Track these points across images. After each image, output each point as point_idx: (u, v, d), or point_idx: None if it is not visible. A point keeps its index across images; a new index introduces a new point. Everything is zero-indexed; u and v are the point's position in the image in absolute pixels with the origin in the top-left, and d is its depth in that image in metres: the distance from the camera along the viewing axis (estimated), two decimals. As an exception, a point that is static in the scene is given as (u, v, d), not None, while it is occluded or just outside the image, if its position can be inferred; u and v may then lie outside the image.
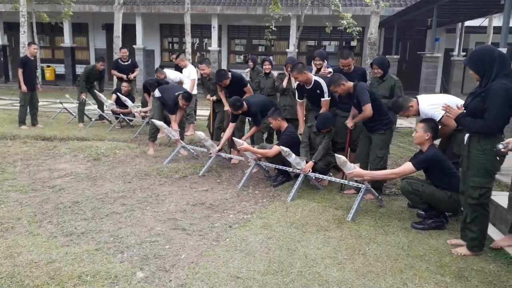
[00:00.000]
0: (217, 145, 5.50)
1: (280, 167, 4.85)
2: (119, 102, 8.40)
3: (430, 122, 3.66)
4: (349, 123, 4.55)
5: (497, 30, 13.34)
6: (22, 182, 4.88)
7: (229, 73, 5.69)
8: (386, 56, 11.36)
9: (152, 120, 6.09)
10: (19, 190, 4.59)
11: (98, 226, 3.65)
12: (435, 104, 3.75)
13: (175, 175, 5.22)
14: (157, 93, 6.45)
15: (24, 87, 7.91)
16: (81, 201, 4.27)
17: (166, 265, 2.99)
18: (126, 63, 8.79)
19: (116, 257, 3.08)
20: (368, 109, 4.18)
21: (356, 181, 4.09)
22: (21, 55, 9.48)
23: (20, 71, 7.94)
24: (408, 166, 3.63)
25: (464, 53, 14.46)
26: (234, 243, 3.34)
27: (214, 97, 6.57)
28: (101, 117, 8.86)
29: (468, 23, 14.32)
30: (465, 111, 2.99)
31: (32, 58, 8.14)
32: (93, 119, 8.84)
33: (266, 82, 6.43)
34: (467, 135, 3.03)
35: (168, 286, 2.72)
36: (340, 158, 3.80)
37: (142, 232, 3.55)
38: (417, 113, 3.90)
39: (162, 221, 3.81)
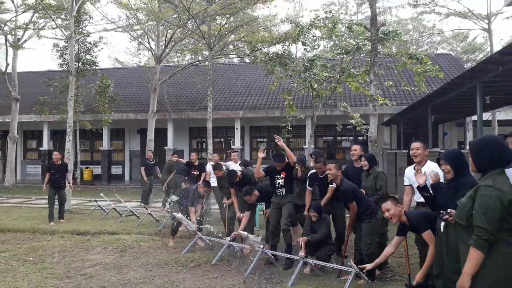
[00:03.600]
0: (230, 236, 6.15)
1: (286, 255, 5.41)
2: None
3: (393, 198, 4.10)
4: (349, 231, 5.16)
5: (501, 123, 14.11)
6: (58, 271, 5.59)
7: (239, 173, 6.54)
8: (397, 151, 12.19)
9: (174, 213, 6.88)
10: (56, 277, 5.30)
11: (119, 307, 4.24)
12: None
13: (190, 264, 5.82)
14: (174, 197, 7.39)
15: (44, 187, 9.19)
16: (107, 286, 4.90)
17: (173, 337, 3.51)
18: (151, 162, 10.16)
19: (132, 331, 3.63)
20: (353, 206, 4.88)
21: (349, 266, 4.58)
22: (66, 160, 10.88)
23: (47, 175, 9.26)
24: (396, 237, 4.03)
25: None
26: (234, 320, 3.83)
27: (230, 201, 7.12)
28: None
29: (475, 117, 15.18)
30: None
31: (59, 163, 9.40)
32: (123, 215, 9.71)
33: None
34: (442, 223, 3.24)
35: None
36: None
37: (156, 311, 4.11)
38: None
39: (174, 303, 4.36)
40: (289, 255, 5.36)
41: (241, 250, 6.34)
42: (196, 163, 9.78)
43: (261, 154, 5.92)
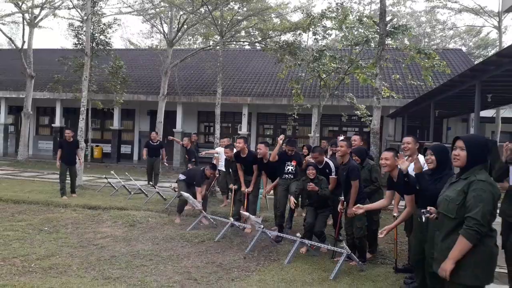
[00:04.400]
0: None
1: (281, 234, 5.80)
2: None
3: (395, 151, 4.35)
4: (350, 212, 5.25)
5: (505, 120, 14.26)
6: (72, 240, 6.03)
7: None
8: (400, 143, 12.44)
9: (181, 192, 7.28)
10: (70, 246, 5.74)
11: (129, 274, 4.66)
12: None
13: (195, 240, 6.23)
14: (181, 176, 7.76)
15: (58, 163, 9.57)
16: (118, 256, 5.33)
17: (178, 301, 3.92)
18: (155, 143, 11.31)
19: (141, 294, 4.05)
20: (356, 184, 5.14)
21: (341, 247, 4.94)
22: (79, 137, 11.31)
23: (59, 151, 9.65)
24: (387, 191, 4.25)
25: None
26: (232, 290, 4.24)
27: (235, 186, 7.49)
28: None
29: (480, 113, 15.32)
30: None
31: (70, 140, 9.78)
32: (132, 193, 10.15)
33: None
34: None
35: (177, 315, 3.63)
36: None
37: (163, 279, 4.52)
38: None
39: (179, 273, 4.77)
40: (289, 236, 5.74)
41: (243, 229, 6.75)
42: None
43: (280, 140, 6.59)
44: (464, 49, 31.14)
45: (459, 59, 19.61)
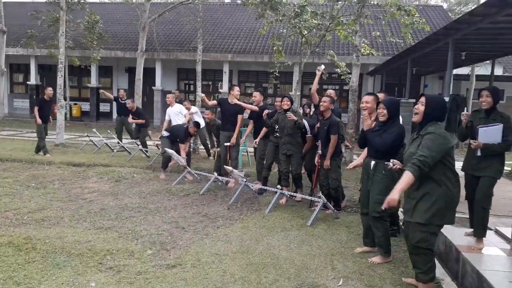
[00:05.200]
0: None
1: (264, 187, 6.14)
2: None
3: (376, 96, 4.63)
4: (326, 164, 5.55)
5: (479, 77, 14.72)
6: (60, 195, 6.23)
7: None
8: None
9: (166, 149, 7.48)
10: (59, 200, 5.94)
11: (120, 224, 4.93)
12: None
13: (180, 193, 6.52)
14: (165, 133, 7.90)
15: (39, 120, 9.53)
16: (107, 209, 5.57)
17: (167, 247, 4.23)
18: (123, 101, 10.83)
19: (133, 242, 4.34)
20: (335, 139, 5.44)
21: (318, 197, 5.31)
22: (58, 95, 11.17)
23: (36, 109, 9.59)
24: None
25: (453, 98, 15.75)
26: (218, 236, 4.58)
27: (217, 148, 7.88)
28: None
29: (456, 71, 15.72)
30: None
31: (48, 99, 9.74)
32: (115, 150, 10.27)
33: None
34: (372, 162, 3.95)
35: (168, 259, 3.95)
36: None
37: (152, 228, 4.82)
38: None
39: (167, 223, 5.07)
40: (270, 188, 6.09)
41: (226, 183, 7.06)
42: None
43: (319, 72, 6.60)
44: (445, 5, 31.12)
45: (439, 16, 19.74)
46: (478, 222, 3.96)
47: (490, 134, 3.97)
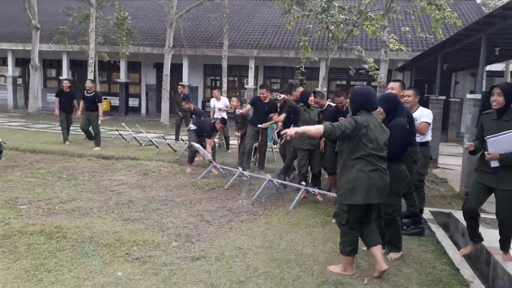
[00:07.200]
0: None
1: (287, 183, 6.14)
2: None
3: (402, 83, 4.67)
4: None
5: (514, 74, 14.17)
6: (90, 187, 6.41)
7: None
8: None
9: (192, 143, 7.57)
10: (89, 192, 6.12)
11: (146, 216, 5.03)
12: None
13: (205, 188, 6.59)
14: (192, 126, 7.99)
15: (57, 111, 10.17)
16: (135, 201, 5.70)
17: (192, 239, 4.30)
18: (89, 94, 9.84)
19: (159, 233, 4.43)
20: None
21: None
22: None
23: (56, 100, 10.16)
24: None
25: (486, 96, 15.21)
26: (242, 230, 4.61)
27: (241, 133, 8.04)
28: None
29: (490, 67, 15.17)
30: None
31: (67, 91, 10.25)
32: (143, 144, 10.47)
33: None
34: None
35: (193, 251, 4.01)
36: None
37: (178, 221, 4.90)
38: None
39: (193, 216, 5.14)
40: (295, 184, 6.07)
41: (250, 179, 7.08)
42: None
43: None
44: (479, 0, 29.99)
45: (472, 11, 19.05)
46: (506, 240, 3.71)
47: (503, 143, 3.41)
